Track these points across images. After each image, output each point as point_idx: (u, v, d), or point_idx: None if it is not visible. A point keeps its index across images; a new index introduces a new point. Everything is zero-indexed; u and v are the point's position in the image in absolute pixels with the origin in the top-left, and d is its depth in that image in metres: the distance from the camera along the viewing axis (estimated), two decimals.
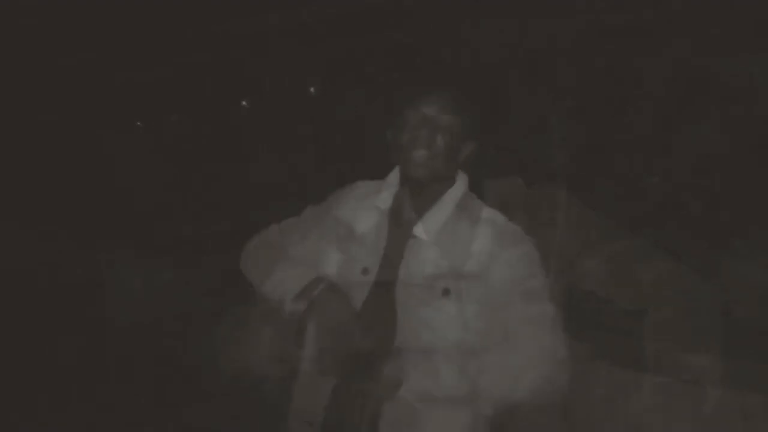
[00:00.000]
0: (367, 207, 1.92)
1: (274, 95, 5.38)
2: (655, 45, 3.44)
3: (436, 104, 1.82)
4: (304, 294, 1.83)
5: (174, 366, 4.66)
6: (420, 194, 1.85)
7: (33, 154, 6.02)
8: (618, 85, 3.59)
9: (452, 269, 1.74)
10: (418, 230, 1.81)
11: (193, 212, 5.18)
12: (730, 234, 3.38)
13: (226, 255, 5.02)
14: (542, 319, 1.74)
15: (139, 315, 5.05)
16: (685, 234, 3.43)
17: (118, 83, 5.67)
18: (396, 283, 1.78)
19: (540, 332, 1.73)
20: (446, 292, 1.72)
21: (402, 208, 1.86)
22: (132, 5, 5.81)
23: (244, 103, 5.71)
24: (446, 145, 1.80)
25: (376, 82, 4.53)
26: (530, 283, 1.77)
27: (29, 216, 5.64)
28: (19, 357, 4.65)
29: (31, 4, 5.69)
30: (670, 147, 3.50)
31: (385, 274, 1.81)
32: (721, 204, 3.42)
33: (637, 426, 3.04)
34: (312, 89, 5.47)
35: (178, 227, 5.17)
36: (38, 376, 4.49)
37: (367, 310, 1.80)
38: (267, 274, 2.00)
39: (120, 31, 5.74)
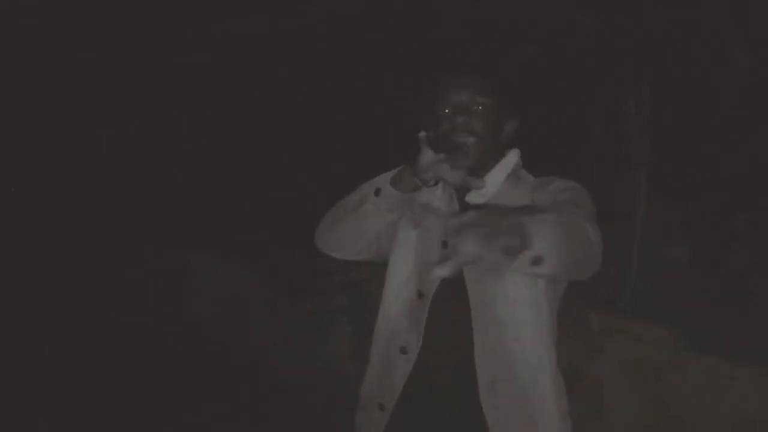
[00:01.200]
0: (440, 188, 1.89)
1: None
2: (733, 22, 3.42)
3: (465, 90, 1.80)
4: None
5: (255, 363, 4.69)
6: (473, 168, 1.79)
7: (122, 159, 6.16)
8: (699, 67, 3.57)
9: None
10: (473, 197, 1.81)
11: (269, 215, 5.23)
12: None
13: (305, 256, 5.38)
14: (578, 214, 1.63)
15: (220, 312, 5.15)
16: None
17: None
18: None
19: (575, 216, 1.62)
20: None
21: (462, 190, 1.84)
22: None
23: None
24: (484, 129, 1.79)
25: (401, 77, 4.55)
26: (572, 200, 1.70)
27: (119, 217, 5.92)
28: (105, 351, 4.75)
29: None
30: (757, 128, 3.38)
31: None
32: None
33: (730, 414, 2.96)
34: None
35: (255, 229, 5.22)
36: (123, 367, 4.57)
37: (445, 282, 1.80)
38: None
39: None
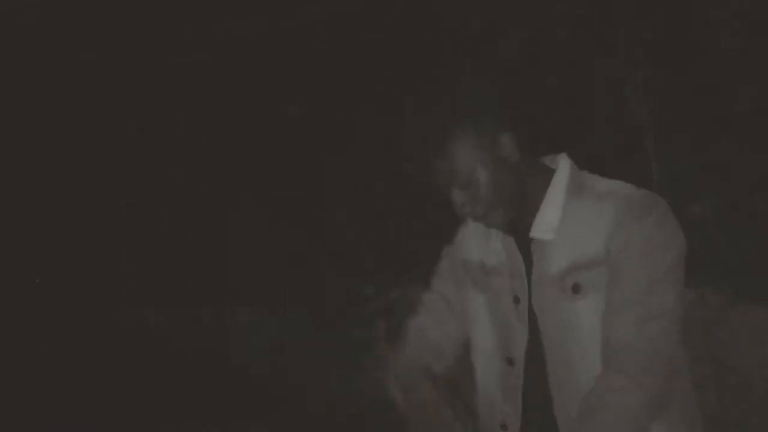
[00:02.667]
0: (486, 236, 1.76)
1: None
2: None
3: (440, 167, 1.61)
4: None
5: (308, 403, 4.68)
6: (523, 205, 1.66)
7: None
8: (692, 22, 3.57)
9: (579, 259, 1.57)
10: (537, 232, 1.64)
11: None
12: None
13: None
14: (654, 322, 1.51)
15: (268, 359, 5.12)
16: None
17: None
18: (534, 293, 1.64)
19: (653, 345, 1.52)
20: (576, 288, 1.57)
21: (514, 224, 1.69)
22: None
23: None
24: (487, 183, 1.59)
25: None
26: (656, 265, 1.52)
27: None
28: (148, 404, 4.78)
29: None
30: (755, 70, 3.24)
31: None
32: None
33: None
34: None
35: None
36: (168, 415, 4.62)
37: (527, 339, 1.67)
38: None
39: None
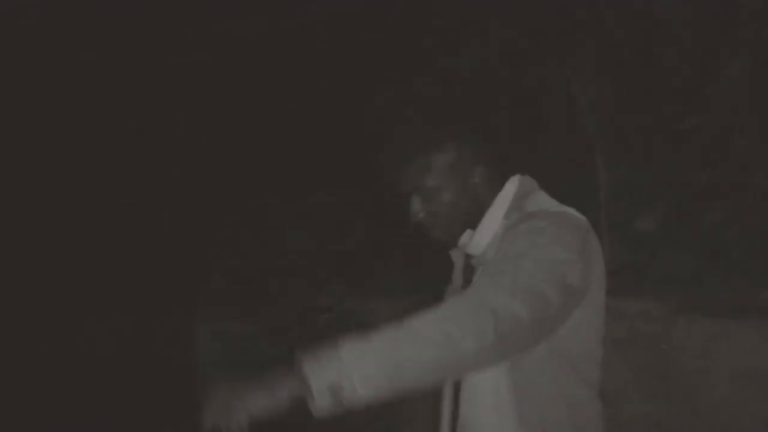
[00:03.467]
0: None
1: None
2: None
3: (410, 174, 1.68)
4: None
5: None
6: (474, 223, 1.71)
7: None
8: (641, 35, 3.55)
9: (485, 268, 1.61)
10: (471, 248, 1.70)
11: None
12: None
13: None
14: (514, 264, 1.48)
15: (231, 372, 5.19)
16: (738, 169, 3.24)
17: None
18: None
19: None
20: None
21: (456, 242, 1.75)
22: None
23: None
24: (447, 202, 1.67)
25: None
26: (521, 245, 1.52)
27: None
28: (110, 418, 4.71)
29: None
30: (702, 87, 3.32)
31: None
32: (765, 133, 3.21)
33: (730, 368, 2.89)
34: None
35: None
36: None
37: None
38: None
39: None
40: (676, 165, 3.31)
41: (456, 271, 1.81)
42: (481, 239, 1.67)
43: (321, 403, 1.38)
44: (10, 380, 5.10)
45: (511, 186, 1.71)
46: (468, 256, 1.75)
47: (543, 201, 1.69)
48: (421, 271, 2.91)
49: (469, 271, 1.74)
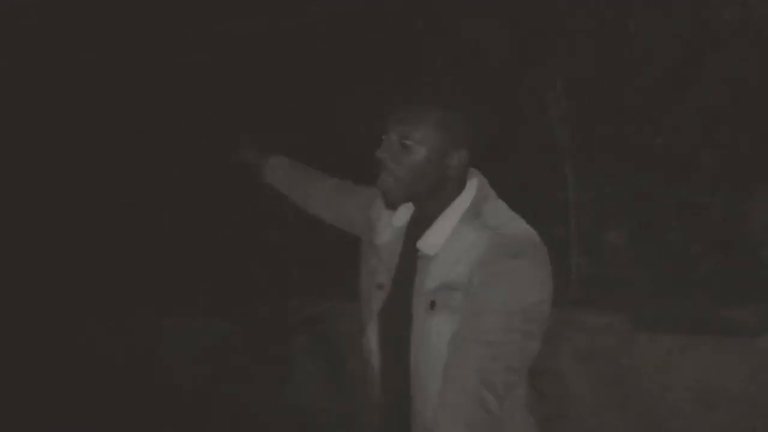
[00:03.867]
0: (385, 220, 1.80)
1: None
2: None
3: (405, 119, 1.63)
4: None
5: (237, 414, 4.60)
6: (423, 209, 1.71)
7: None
8: (610, 51, 3.57)
9: (443, 280, 1.62)
10: (422, 246, 1.67)
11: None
12: (749, 180, 3.19)
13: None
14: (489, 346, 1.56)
15: (197, 368, 4.98)
16: (705, 187, 3.25)
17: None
18: (411, 297, 1.69)
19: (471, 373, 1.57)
20: (432, 305, 1.62)
21: (413, 223, 1.74)
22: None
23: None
24: (417, 166, 1.63)
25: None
26: (500, 302, 1.56)
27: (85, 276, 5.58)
28: (80, 417, 4.59)
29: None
30: (672, 105, 3.36)
31: (402, 289, 1.72)
32: (735, 152, 3.25)
33: (689, 385, 2.94)
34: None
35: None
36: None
37: (384, 322, 1.75)
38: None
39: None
40: (644, 181, 3.28)
41: (392, 243, 1.78)
42: (435, 239, 1.65)
43: None
44: None
45: (472, 188, 1.69)
46: (409, 237, 1.73)
47: (500, 210, 1.69)
48: None
49: (409, 254, 1.72)
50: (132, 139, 5.78)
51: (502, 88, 3.59)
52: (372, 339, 1.75)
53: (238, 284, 4.73)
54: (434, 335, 1.61)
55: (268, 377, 4.34)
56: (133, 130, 5.77)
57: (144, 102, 5.74)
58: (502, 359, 1.53)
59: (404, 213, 1.76)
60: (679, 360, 2.93)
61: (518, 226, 1.64)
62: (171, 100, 5.69)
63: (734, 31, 3.22)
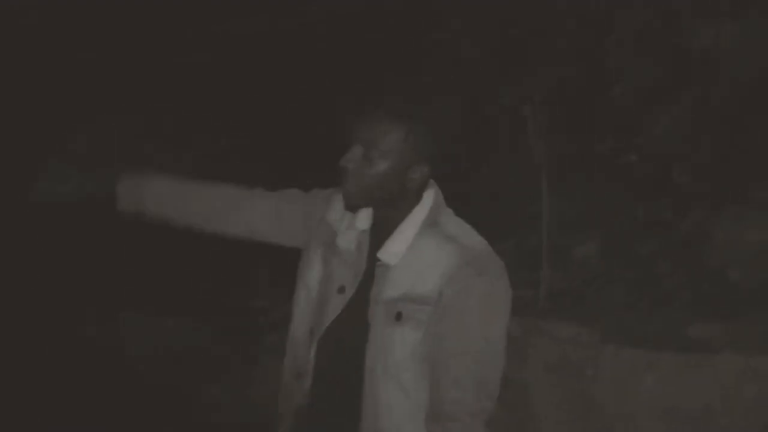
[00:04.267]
0: (348, 222, 1.79)
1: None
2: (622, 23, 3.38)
3: (371, 130, 1.65)
4: None
5: (200, 411, 4.56)
6: (382, 217, 1.72)
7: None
8: (588, 69, 3.56)
9: (408, 292, 1.64)
10: (383, 255, 1.68)
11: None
12: (717, 199, 3.20)
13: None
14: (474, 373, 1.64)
15: (161, 368, 4.91)
16: (675, 205, 3.27)
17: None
18: (368, 305, 1.70)
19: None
20: (398, 317, 1.63)
21: (376, 230, 1.75)
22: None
23: None
24: (379, 177, 1.65)
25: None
26: (478, 329, 1.63)
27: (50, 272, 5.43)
28: (41, 414, 4.45)
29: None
30: (644, 125, 3.40)
31: (360, 296, 1.73)
32: (705, 172, 3.25)
33: (651, 401, 2.91)
34: None
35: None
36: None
37: (339, 327, 1.73)
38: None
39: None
40: (616, 197, 3.26)
41: (355, 247, 1.77)
42: (396, 248, 1.66)
43: None
44: None
45: (429, 198, 1.71)
46: (371, 243, 1.74)
47: (455, 220, 1.72)
48: None
49: (370, 261, 1.73)
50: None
51: (480, 99, 3.58)
52: (314, 346, 1.74)
53: (206, 283, 4.73)
54: (398, 345, 1.62)
55: (235, 377, 4.36)
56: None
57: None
58: (489, 368, 1.62)
59: (366, 217, 1.76)
60: (642, 374, 2.87)
61: (475, 237, 1.68)
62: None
63: (705, 58, 3.19)
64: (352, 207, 1.69)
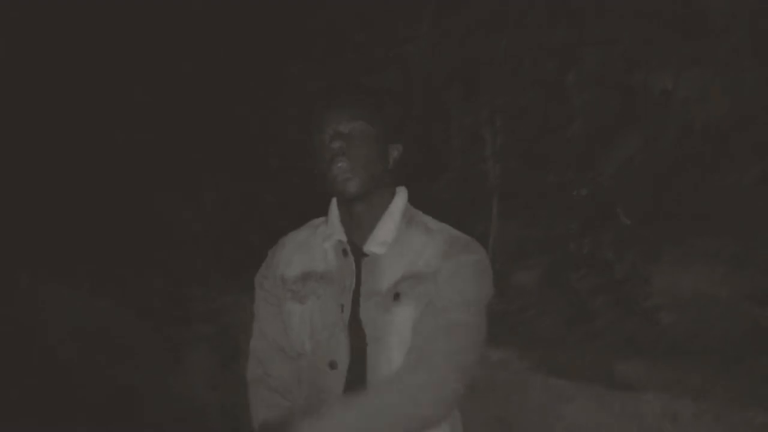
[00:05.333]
0: (318, 247, 1.84)
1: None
2: (583, 59, 3.48)
3: (344, 115, 1.72)
4: None
5: (116, 394, 4.50)
6: (360, 215, 1.78)
7: None
8: (548, 99, 3.65)
9: (404, 273, 1.71)
10: (371, 247, 1.75)
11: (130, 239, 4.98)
12: (659, 242, 3.27)
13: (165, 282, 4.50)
14: (459, 328, 1.70)
15: (83, 346, 4.85)
16: (616, 243, 3.33)
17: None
18: (361, 302, 1.75)
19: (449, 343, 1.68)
20: (397, 296, 1.69)
21: (352, 232, 1.79)
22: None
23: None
24: (367, 153, 1.72)
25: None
26: (469, 292, 1.72)
27: None
28: None
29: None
30: (597, 160, 3.47)
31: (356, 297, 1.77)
32: (648, 214, 3.33)
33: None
34: None
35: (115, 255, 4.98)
36: None
37: (350, 345, 1.77)
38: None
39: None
40: (563, 229, 3.34)
41: (336, 263, 1.81)
42: (383, 238, 1.75)
43: None
44: None
45: (402, 195, 1.83)
46: (357, 252, 1.78)
47: (429, 217, 1.85)
48: None
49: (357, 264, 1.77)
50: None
51: (441, 114, 3.66)
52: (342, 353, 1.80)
53: (140, 265, 4.71)
54: (398, 324, 1.71)
55: (157, 363, 4.33)
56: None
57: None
58: (471, 342, 1.71)
59: (335, 229, 1.83)
60: (565, 406, 2.88)
61: (454, 230, 1.82)
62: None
63: (663, 101, 3.35)
64: (352, 189, 1.73)
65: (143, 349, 4.36)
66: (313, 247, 1.86)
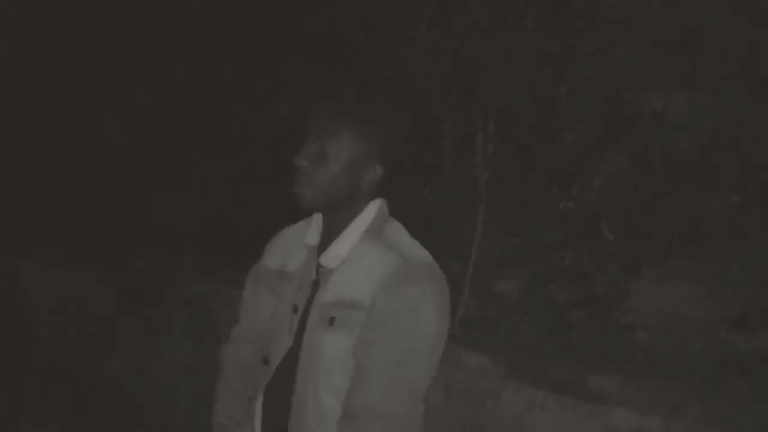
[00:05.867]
0: (297, 246, 1.81)
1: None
2: (576, 73, 3.53)
3: (325, 131, 1.66)
4: None
5: (94, 376, 4.47)
6: (330, 224, 1.73)
7: None
8: (540, 109, 3.70)
9: (344, 297, 1.65)
10: (324, 259, 1.70)
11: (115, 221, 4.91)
12: (637, 261, 3.31)
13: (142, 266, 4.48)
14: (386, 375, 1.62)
15: (60, 324, 4.83)
16: (599, 258, 3.35)
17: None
18: (310, 312, 1.71)
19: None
20: (332, 321, 1.64)
21: (323, 240, 1.76)
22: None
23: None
24: (334, 175, 1.66)
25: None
26: (413, 336, 1.62)
27: None
28: None
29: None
30: (584, 175, 3.49)
31: (308, 307, 1.75)
32: (632, 231, 3.35)
33: None
34: None
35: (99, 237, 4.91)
36: None
37: (296, 345, 1.73)
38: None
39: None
40: (547, 240, 3.35)
41: (303, 264, 1.79)
42: (337, 252, 1.67)
43: None
44: None
45: (375, 206, 1.71)
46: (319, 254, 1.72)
47: (400, 232, 1.71)
48: None
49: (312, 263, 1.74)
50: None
51: (432, 119, 3.68)
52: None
53: (126, 246, 4.68)
54: (328, 350, 1.63)
55: (135, 346, 4.33)
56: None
57: None
58: (407, 379, 1.61)
59: (314, 232, 1.77)
60: (538, 415, 2.92)
61: (418, 251, 1.68)
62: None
63: (653, 120, 3.39)
64: (307, 207, 1.68)
65: (124, 332, 4.34)
66: (294, 245, 1.85)
